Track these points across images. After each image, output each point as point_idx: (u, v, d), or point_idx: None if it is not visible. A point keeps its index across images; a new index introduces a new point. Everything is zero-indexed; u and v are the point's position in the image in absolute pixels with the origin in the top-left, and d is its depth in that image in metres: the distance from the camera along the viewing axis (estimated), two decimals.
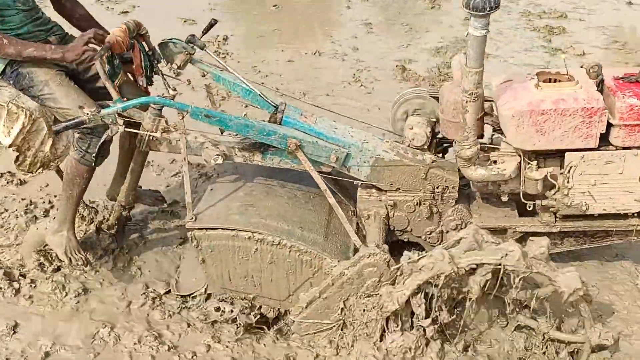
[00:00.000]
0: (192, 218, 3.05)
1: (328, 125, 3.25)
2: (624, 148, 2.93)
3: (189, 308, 3.29)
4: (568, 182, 3.02)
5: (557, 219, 3.18)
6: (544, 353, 2.92)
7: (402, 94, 3.47)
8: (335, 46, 6.32)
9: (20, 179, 4.19)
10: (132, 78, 3.36)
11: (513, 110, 2.90)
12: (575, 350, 2.89)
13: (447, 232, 3.30)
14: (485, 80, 2.92)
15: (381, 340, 2.91)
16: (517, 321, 2.94)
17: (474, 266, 2.71)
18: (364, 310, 2.93)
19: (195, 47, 3.26)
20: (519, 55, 5.94)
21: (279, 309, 3.23)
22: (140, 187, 3.63)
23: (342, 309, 3.00)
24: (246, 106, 3.19)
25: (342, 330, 3.08)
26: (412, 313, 2.89)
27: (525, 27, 6.51)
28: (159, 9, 6.64)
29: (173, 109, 3.03)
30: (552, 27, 6.44)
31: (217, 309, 3.17)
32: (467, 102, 2.90)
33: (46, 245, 3.36)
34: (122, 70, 3.18)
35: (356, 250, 3.11)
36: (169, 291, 3.39)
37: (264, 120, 3.24)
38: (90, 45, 3.00)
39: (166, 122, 3.16)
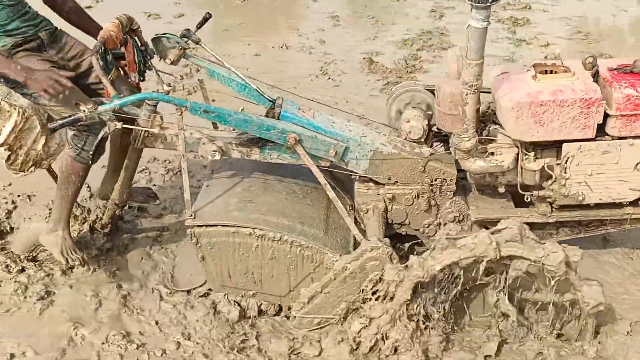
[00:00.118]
0: (192, 215, 3.01)
1: (326, 119, 3.24)
2: (620, 138, 2.98)
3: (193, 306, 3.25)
4: (565, 172, 3.05)
5: (553, 209, 3.21)
6: None
7: (396, 87, 3.48)
8: (302, 39, 6.31)
9: None
10: (122, 74, 3.30)
11: (512, 102, 2.92)
12: None
13: (445, 224, 3.32)
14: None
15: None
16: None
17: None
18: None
19: (189, 41, 3.22)
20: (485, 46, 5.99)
21: (279, 305, 3.21)
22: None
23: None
24: (242, 109, 3.15)
25: (342, 324, 3.07)
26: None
27: (490, 19, 6.54)
28: (123, 3, 6.43)
29: (167, 105, 2.98)
30: (516, 18, 6.51)
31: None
32: (467, 94, 2.92)
33: (40, 245, 3.28)
34: (114, 66, 3.12)
35: (356, 244, 3.11)
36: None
37: (261, 115, 3.21)
38: (56, 84, 2.87)
39: (161, 118, 3.12)
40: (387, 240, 3.03)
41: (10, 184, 4.02)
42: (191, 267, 3.44)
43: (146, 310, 3.23)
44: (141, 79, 3.26)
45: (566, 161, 3.03)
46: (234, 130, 3.19)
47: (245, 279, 3.13)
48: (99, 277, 3.37)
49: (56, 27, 3.19)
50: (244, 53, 6.00)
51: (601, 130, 2.99)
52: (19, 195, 3.94)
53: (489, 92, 3.15)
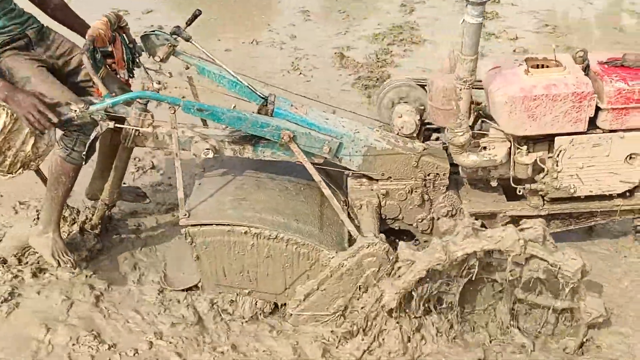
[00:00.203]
0: (186, 215, 2.98)
1: (319, 115, 3.22)
2: (611, 131, 3.01)
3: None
4: (557, 165, 3.08)
5: (545, 202, 3.25)
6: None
7: (387, 82, 3.48)
8: (273, 34, 6.27)
9: None
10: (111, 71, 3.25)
11: (506, 96, 2.94)
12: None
13: (438, 218, 3.33)
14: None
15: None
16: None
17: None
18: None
19: (178, 39, 3.18)
20: (454, 40, 5.98)
21: (275, 303, 3.20)
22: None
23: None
24: (234, 106, 3.12)
25: (340, 319, 3.07)
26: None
27: (459, 13, 6.57)
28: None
29: (155, 103, 2.95)
30: (485, 12, 6.52)
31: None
32: (461, 89, 2.92)
33: (29, 247, 3.22)
34: (103, 64, 3.06)
35: (351, 240, 3.11)
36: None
37: (253, 113, 3.18)
38: (42, 118, 2.80)
39: (152, 116, 3.08)
40: (382, 236, 3.04)
41: None
42: (183, 266, 3.40)
43: (119, 310, 3.19)
44: (130, 76, 3.21)
45: (558, 154, 3.06)
46: (225, 128, 3.16)
47: (241, 278, 3.11)
48: (72, 278, 3.32)
49: (43, 25, 3.13)
50: (214, 49, 5.92)
51: (592, 124, 3.02)
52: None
53: (481, 88, 3.17)
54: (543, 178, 3.15)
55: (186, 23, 3.24)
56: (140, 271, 3.41)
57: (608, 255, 3.51)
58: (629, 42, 5.83)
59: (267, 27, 6.44)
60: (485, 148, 3.16)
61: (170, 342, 3.03)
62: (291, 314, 3.11)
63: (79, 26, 3.25)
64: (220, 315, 3.15)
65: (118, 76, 3.17)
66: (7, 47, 2.93)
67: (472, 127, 3.17)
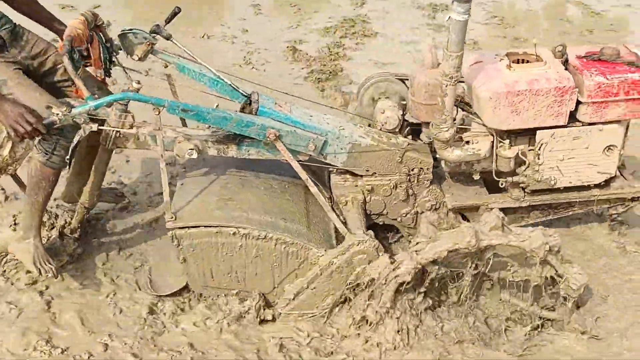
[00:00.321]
0: (172, 217, 2.93)
1: (303, 113, 3.20)
2: (590, 124, 3.08)
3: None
4: (539, 158, 3.14)
5: (526, 194, 3.31)
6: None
7: (368, 77, 3.47)
8: (224, 29, 6.19)
9: None
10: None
11: (490, 92, 2.97)
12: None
13: (422, 212, 3.36)
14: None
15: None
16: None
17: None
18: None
19: (157, 37, 3.11)
20: (405, 32, 6.07)
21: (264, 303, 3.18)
22: None
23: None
24: (217, 105, 3.07)
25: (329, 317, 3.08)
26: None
27: (410, 6, 6.62)
28: None
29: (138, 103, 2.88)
30: (435, 4, 6.58)
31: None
32: (446, 85, 2.94)
33: (6, 254, 3.12)
34: (82, 64, 2.97)
35: (338, 237, 3.12)
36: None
37: (237, 111, 3.14)
38: (34, 132, 2.75)
39: (132, 117, 3.01)
40: (371, 232, 3.05)
41: None
42: (167, 269, 3.34)
43: (70, 312, 3.13)
44: (107, 74, 3.13)
45: (540, 147, 3.12)
46: (208, 127, 3.11)
47: (229, 279, 3.08)
48: (17, 284, 3.25)
49: (16, 24, 3.01)
50: (165, 45, 5.82)
51: (572, 117, 3.08)
52: None
53: (462, 82, 3.19)
54: (524, 171, 3.21)
55: (165, 21, 3.18)
56: (135, 273, 3.37)
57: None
58: (575, 33, 5.99)
59: (218, 22, 6.35)
60: (468, 142, 3.20)
61: (126, 344, 2.99)
62: (280, 313, 3.10)
63: (47, 20, 3.15)
64: (175, 314, 3.13)
65: (96, 75, 3.09)
66: None
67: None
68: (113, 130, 2.95)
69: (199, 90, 3.27)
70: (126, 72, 3.12)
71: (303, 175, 3.05)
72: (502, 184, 3.27)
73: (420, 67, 3.23)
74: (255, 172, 3.33)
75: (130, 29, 3.08)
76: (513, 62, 3.07)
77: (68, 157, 2.84)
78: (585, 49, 3.18)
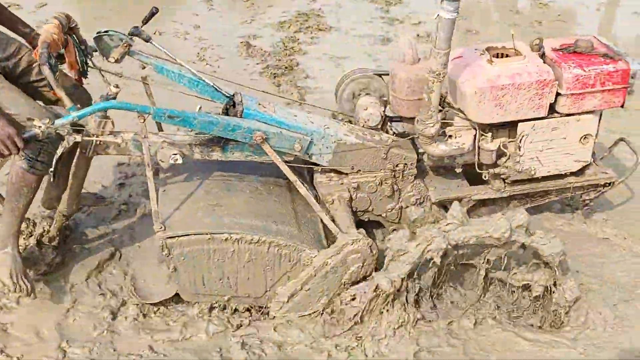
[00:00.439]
0: (162, 227, 2.85)
1: (287, 113, 3.16)
2: (568, 115, 3.17)
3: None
4: (520, 150, 3.21)
5: (506, 185, 3.38)
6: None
7: (347, 74, 3.46)
8: (176, 25, 6.09)
9: None
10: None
11: (475, 87, 3.01)
12: None
13: (407, 207, 3.38)
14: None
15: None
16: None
17: None
18: None
19: (134, 39, 3.01)
20: (359, 26, 6.12)
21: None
22: None
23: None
24: (199, 107, 3.00)
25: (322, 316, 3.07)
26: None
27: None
28: None
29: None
30: None
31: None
32: (433, 82, 2.96)
33: None
34: (59, 69, 2.84)
35: (327, 237, 3.11)
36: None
37: (219, 114, 3.08)
38: (10, 142, 2.63)
39: (112, 123, 2.91)
40: (362, 230, 3.05)
41: None
42: (151, 275, 3.25)
43: (28, 320, 3.04)
44: (84, 76, 3.03)
45: (521, 139, 3.19)
46: (190, 131, 3.03)
47: (220, 285, 3.02)
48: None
49: None
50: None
51: (551, 109, 3.16)
52: None
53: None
54: (506, 162, 3.27)
55: (142, 22, 3.08)
56: (119, 281, 3.28)
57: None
58: (525, 24, 6.15)
59: (170, 18, 6.21)
60: (451, 137, 3.23)
61: (84, 347, 2.93)
62: (274, 317, 3.07)
63: (9, 21, 3.01)
64: (136, 319, 3.07)
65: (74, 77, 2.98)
66: None
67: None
68: (94, 138, 2.84)
69: (177, 91, 3.19)
70: (102, 75, 3.00)
71: (291, 176, 3.02)
72: (485, 176, 3.32)
73: (400, 63, 3.23)
74: (237, 174, 3.27)
75: (106, 31, 2.97)
76: (494, 57, 3.11)
77: (52, 169, 2.71)
78: (560, 42, 3.26)
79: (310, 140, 3.09)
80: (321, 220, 3.17)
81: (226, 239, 2.89)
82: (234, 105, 3.07)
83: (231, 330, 3.02)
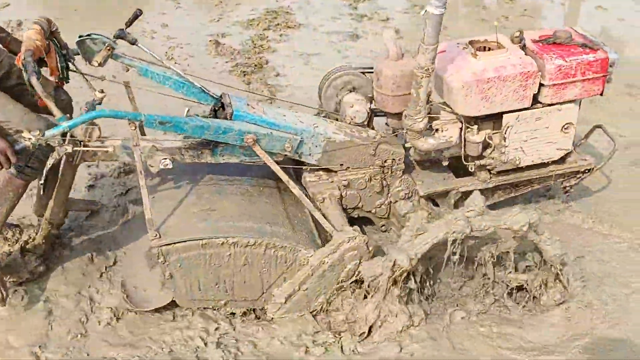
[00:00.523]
0: (156, 235, 2.80)
1: (276, 113, 3.14)
2: (551, 105, 3.24)
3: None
4: (505, 140, 3.27)
5: (492, 176, 3.43)
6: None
7: (330, 72, 3.46)
8: (143, 24, 5.99)
9: None
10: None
11: (462, 81, 3.05)
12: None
13: (396, 202, 3.40)
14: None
15: None
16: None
17: None
18: None
19: (117, 41, 2.95)
20: (328, 23, 6.13)
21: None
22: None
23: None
24: (188, 109, 2.95)
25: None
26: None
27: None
28: None
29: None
30: None
31: None
32: (421, 77, 2.98)
33: None
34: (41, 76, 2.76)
35: (321, 236, 3.11)
36: None
37: (208, 116, 3.04)
38: (3, 157, 2.58)
39: (99, 130, 2.84)
40: (357, 227, 3.06)
41: None
42: (142, 282, 3.18)
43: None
44: (66, 81, 2.96)
45: (506, 130, 3.24)
46: (179, 134, 2.98)
47: (217, 290, 2.99)
48: None
49: None
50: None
51: (534, 99, 3.22)
52: None
53: None
54: (491, 153, 3.32)
55: (126, 24, 3.02)
56: (77, 288, 3.20)
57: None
58: (492, 19, 6.21)
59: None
60: (437, 130, 3.27)
61: (57, 352, 2.89)
62: (272, 318, 3.06)
63: None
64: (109, 323, 3.04)
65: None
66: None
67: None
68: (81, 146, 2.77)
69: (157, 93, 3.13)
70: (87, 80, 2.94)
71: (284, 177, 3.01)
72: (471, 168, 3.37)
73: (384, 60, 3.25)
74: (226, 176, 3.24)
75: (88, 34, 2.90)
76: (476, 50, 3.16)
77: (42, 181, 2.64)
78: (538, 33, 3.33)
79: (300, 139, 3.08)
80: (313, 220, 3.17)
81: (222, 243, 2.86)
82: (222, 107, 3.03)
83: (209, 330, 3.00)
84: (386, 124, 3.43)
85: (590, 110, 4.42)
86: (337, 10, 6.35)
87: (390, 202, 3.41)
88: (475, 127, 3.25)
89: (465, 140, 3.28)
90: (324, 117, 3.47)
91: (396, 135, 3.33)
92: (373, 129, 3.36)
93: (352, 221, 3.29)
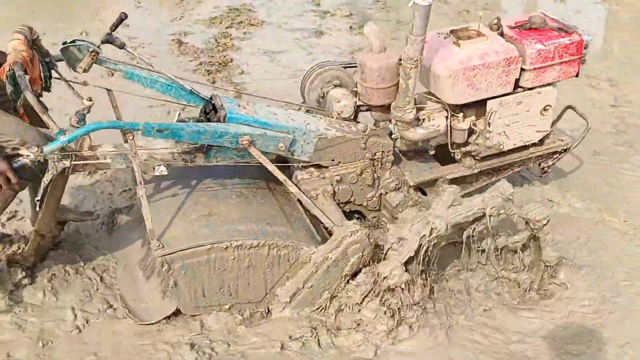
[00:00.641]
0: (160, 245, 2.75)
1: (267, 112, 3.12)
2: (531, 88, 3.34)
3: None
4: (489, 126, 3.34)
5: (476, 161, 3.51)
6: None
7: (313, 68, 3.46)
8: (103, 24, 5.86)
9: None
10: None
11: (449, 70, 3.10)
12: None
13: (386, 193, 3.43)
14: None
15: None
16: None
17: None
18: None
19: (101, 46, 2.87)
20: (291, 20, 6.15)
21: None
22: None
23: None
24: (179, 113, 2.90)
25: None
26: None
27: None
28: None
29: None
30: None
31: None
32: (410, 68, 3.02)
33: None
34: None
35: (319, 232, 3.11)
36: None
37: (200, 119, 3.00)
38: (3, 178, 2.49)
39: (90, 139, 2.77)
40: (356, 220, 3.07)
41: None
42: (141, 294, 3.11)
43: None
44: (47, 90, 2.87)
45: (490, 116, 3.32)
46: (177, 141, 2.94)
47: (221, 294, 2.95)
48: None
49: None
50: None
51: (516, 84, 3.31)
52: None
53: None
54: (476, 139, 3.40)
55: (110, 28, 2.94)
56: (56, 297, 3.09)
57: None
58: (453, 13, 6.37)
59: (96, 17, 6.00)
60: (424, 120, 3.31)
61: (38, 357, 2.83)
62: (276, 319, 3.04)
63: None
64: (80, 329, 2.97)
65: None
66: None
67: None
68: (71, 155, 2.69)
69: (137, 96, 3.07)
70: (73, 89, 2.85)
71: (281, 176, 3.00)
72: (457, 155, 3.43)
73: (368, 53, 3.27)
74: (218, 180, 3.21)
75: (73, 41, 2.82)
76: (460, 40, 3.22)
77: (38, 198, 2.55)
78: (514, 20, 3.42)
79: (292, 138, 3.07)
80: (309, 217, 3.17)
81: (226, 247, 2.83)
82: (214, 109, 2.99)
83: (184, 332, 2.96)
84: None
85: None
86: (300, 7, 6.36)
87: (381, 194, 3.44)
88: (461, 114, 3.31)
89: (451, 128, 3.34)
90: (306, 112, 3.48)
91: (383, 128, 3.35)
92: (358, 123, 3.38)
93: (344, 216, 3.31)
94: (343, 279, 3.02)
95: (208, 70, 5.16)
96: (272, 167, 2.98)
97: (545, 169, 3.79)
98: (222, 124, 2.92)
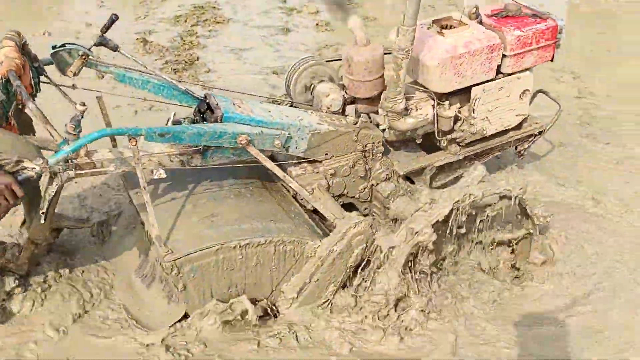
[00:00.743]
0: (168, 251, 2.70)
1: (262, 109, 3.11)
2: (511, 74, 3.45)
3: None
4: (474, 112, 3.44)
5: (461, 148, 3.59)
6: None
7: (297, 63, 3.46)
8: (66, 24, 5.81)
9: None
10: None
11: (437, 59, 3.17)
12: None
13: (377, 184, 3.47)
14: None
15: None
16: None
17: None
18: None
19: (92, 49, 2.81)
20: (257, 17, 6.15)
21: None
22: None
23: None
24: (174, 114, 2.86)
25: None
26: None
27: None
28: None
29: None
30: None
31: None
32: (401, 59, 3.07)
33: None
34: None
35: (319, 225, 3.13)
36: None
37: (194, 120, 2.97)
38: (8, 192, 2.39)
39: (86, 145, 2.69)
40: (356, 212, 3.10)
41: None
42: (144, 303, 3.04)
43: None
44: (35, 96, 2.78)
45: (474, 103, 3.41)
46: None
47: (229, 294, 2.93)
48: None
49: None
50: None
51: (497, 70, 3.41)
52: None
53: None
54: (461, 126, 3.48)
55: (101, 30, 2.87)
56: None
57: None
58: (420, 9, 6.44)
59: (58, 17, 5.87)
60: (412, 110, 3.37)
61: None
62: (284, 314, 3.04)
63: None
64: (64, 332, 2.93)
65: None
66: None
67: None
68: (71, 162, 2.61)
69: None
70: (65, 94, 2.76)
71: (280, 173, 3.00)
72: (444, 142, 3.51)
73: (354, 46, 3.30)
74: (214, 181, 3.19)
75: (62, 45, 2.74)
76: (443, 29, 3.29)
77: (44, 209, 2.46)
78: (489, 8, 3.52)
79: (287, 134, 3.07)
80: (306, 212, 3.18)
81: (234, 247, 2.81)
82: (209, 109, 2.96)
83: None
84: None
85: None
86: (266, 3, 6.35)
87: (372, 185, 3.48)
88: (447, 102, 3.39)
89: (438, 116, 3.41)
90: (291, 106, 3.48)
91: (370, 119, 3.40)
92: (347, 116, 3.41)
93: None
94: (347, 270, 3.05)
95: (174, 69, 5.11)
96: (271, 165, 2.97)
97: (522, 152, 3.92)
98: (219, 124, 2.90)
